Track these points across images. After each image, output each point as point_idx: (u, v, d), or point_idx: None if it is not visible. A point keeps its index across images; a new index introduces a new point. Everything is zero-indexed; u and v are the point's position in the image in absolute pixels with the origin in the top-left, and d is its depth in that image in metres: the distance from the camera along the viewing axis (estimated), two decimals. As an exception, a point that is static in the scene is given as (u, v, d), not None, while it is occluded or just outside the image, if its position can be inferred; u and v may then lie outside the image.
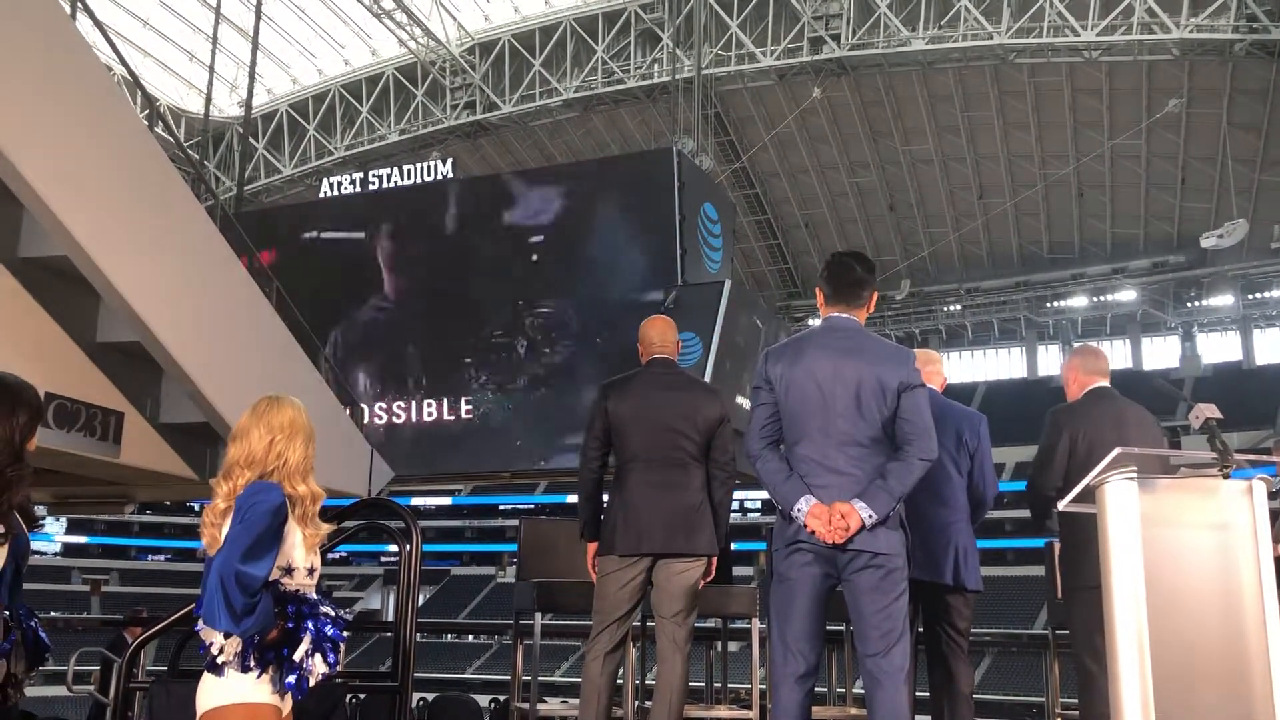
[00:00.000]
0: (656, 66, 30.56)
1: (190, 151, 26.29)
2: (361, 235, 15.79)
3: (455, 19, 31.99)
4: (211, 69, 20.70)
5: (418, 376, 14.84)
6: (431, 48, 32.10)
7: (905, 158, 34.76)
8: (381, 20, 31.01)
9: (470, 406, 14.44)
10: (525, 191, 15.45)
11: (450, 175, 16.68)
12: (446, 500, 47.53)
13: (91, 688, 8.56)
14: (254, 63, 20.42)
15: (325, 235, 16.11)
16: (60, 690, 8.24)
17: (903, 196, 36.35)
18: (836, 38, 28.71)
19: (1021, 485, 4.65)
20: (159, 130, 14.28)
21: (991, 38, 27.51)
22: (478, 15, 32.46)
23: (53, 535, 45.07)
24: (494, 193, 16.02)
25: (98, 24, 8.79)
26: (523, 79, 32.21)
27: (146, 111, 13.39)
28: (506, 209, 15.23)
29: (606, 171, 17.29)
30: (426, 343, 14.89)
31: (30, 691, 3.11)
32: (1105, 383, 4.60)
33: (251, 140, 33.16)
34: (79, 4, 7.87)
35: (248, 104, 21.91)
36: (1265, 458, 3.93)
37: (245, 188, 27.09)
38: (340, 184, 17.38)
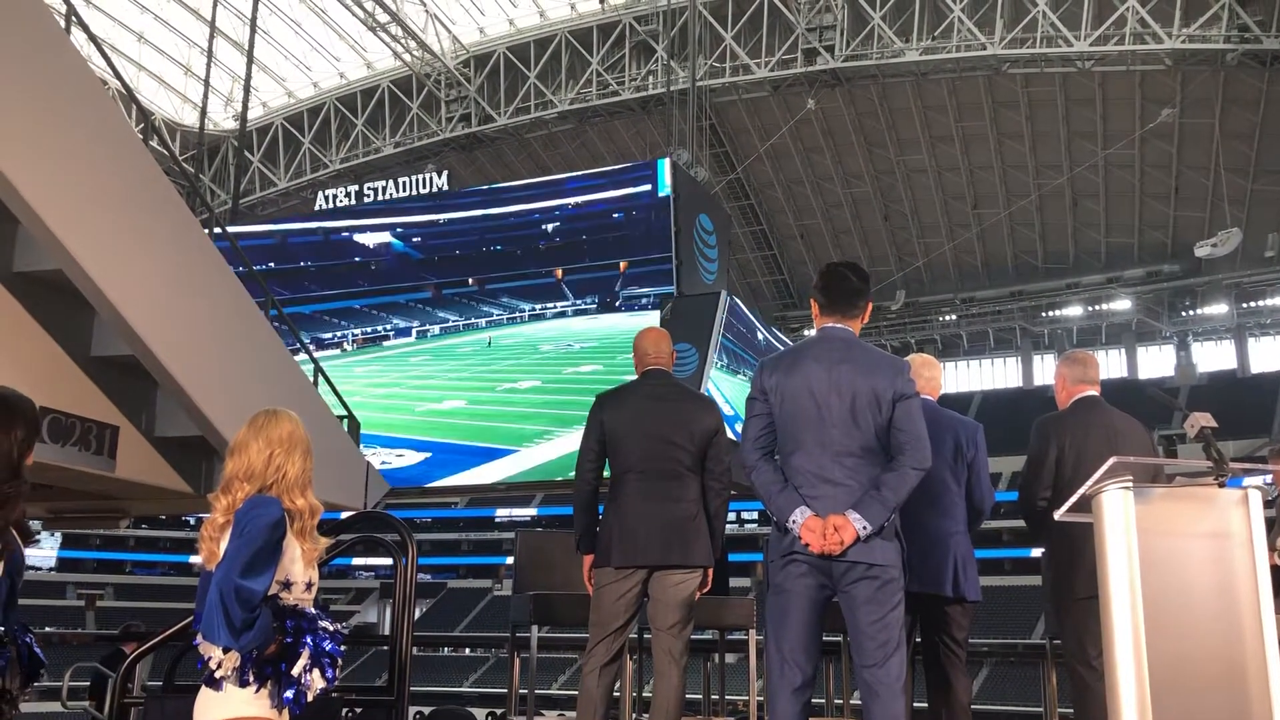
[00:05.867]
0: (651, 78, 30.62)
1: (185, 165, 26.26)
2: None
3: (450, 32, 32.06)
4: (206, 83, 20.79)
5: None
6: (426, 60, 32.15)
7: (900, 168, 34.82)
8: (376, 33, 31.07)
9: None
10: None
11: (445, 187, 16.67)
12: (443, 513, 47.39)
13: (87, 703, 8.53)
14: (249, 76, 20.46)
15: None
16: (55, 706, 8.21)
17: (897, 207, 36.40)
18: (830, 49, 28.80)
19: (1016, 495, 4.63)
20: (154, 144, 14.31)
21: (985, 48, 27.61)
22: (472, 28, 32.53)
23: (48, 549, 44.95)
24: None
25: (92, 38, 8.76)
26: (518, 91, 32.25)
27: (141, 125, 13.44)
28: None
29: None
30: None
31: (25, 708, 3.10)
32: (1094, 391, 4.55)
33: (246, 153, 33.14)
34: (73, 17, 7.87)
35: (242, 117, 21.94)
36: (1260, 466, 3.92)
37: (240, 201, 27.05)
38: (335, 196, 17.33)
